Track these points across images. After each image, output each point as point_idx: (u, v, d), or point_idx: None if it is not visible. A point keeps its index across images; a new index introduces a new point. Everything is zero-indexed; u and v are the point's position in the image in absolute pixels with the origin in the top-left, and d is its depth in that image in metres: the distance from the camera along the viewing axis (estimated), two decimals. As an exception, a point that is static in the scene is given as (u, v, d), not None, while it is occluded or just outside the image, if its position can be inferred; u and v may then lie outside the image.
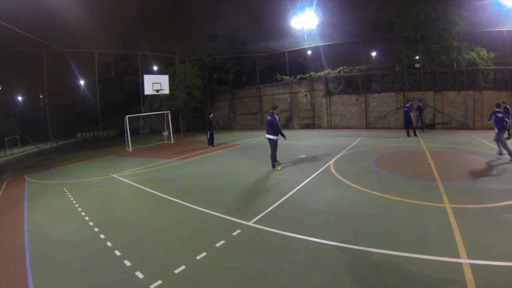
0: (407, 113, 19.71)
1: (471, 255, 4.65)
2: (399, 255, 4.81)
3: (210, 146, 20.01)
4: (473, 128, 23.10)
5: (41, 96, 41.45)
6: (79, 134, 57.94)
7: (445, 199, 7.28)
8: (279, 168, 11.84)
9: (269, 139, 11.73)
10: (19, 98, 53.61)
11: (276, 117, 11.63)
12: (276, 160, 11.95)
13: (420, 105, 22.05)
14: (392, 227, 5.90)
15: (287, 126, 31.02)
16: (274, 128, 11.56)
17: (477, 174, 9.51)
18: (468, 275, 4.15)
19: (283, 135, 11.70)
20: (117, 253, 5.51)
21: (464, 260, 4.52)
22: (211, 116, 20.45)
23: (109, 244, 5.93)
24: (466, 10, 25.35)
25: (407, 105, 20.45)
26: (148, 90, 23.29)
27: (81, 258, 5.48)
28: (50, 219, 8.01)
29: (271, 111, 11.93)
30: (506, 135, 13.17)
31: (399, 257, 4.75)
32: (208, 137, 20.15)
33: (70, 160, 19.53)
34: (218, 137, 20.29)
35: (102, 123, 23.57)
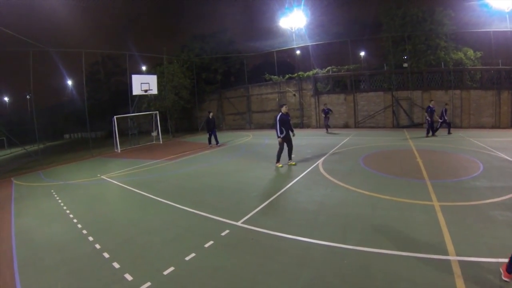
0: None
1: (460, 252, 4.71)
2: (388, 253, 4.86)
3: (216, 144, 20.06)
4: (461, 127, 23.43)
5: (27, 97, 40.96)
6: (66, 135, 57.34)
7: (433, 197, 7.38)
8: (280, 165, 12.01)
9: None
10: (5, 99, 52.92)
11: (278, 115, 11.89)
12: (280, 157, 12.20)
13: (325, 108, 24.57)
14: (381, 225, 5.95)
15: (275, 125, 31.13)
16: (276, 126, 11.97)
17: (464, 172, 9.65)
18: (457, 271, 4.21)
19: (277, 134, 11.89)
20: (106, 255, 5.47)
21: (453, 257, 4.58)
22: (211, 115, 20.13)
23: (97, 246, 5.89)
24: (453, 10, 25.67)
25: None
26: (137, 90, 23.16)
27: (69, 261, 5.43)
28: (37, 222, 7.93)
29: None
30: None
31: (388, 256, 4.80)
32: (215, 137, 20.08)
33: (57, 162, 19.32)
34: (206, 138, 20.17)
35: (90, 124, 23.31)
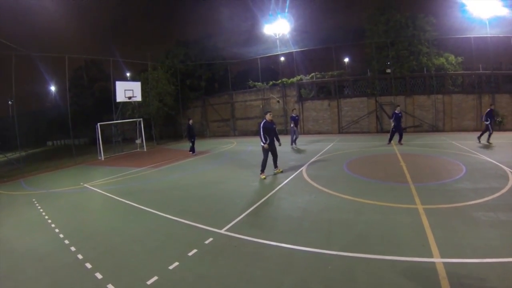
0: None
1: (444, 254, 4.79)
2: (372, 257, 4.90)
3: (191, 152, 19.74)
4: (443, 130, 23.89)
5: (9, 102, 40.23)
6: (49, 143, 56.40)
7: (417, 200, 7.50)
8: (263, 177, 11.30)
9: None
10: (-15, 104, 51.92)
11: (261, 123, 11.35)
12: (264, 167, 11.49)
13: (295, 115, 19.81)
14: (365, 230, 6.01)
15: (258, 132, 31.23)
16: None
17: (447, 175, 9.84)
18: (442, 273, 4.26)
19: (261, 141, 11.26)
20: (88, 265, 5.40)
21: (437, 259, 4.64)
22: (191, 122, 19.97)
23: (80, 256, 5.81)
24: (435, 17, 26.29)
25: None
26: (120, 97, 23.00)
27: (51, 271, 5.34)
28: (18, 232, 7.78)
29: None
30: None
31: (372, 260, 4.83)
32: (190, 144, 19.79)
33: (39, 170, 19.00)
34: (190, 145, 20.00)
35: (73, 130, 22.99)
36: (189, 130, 19.77)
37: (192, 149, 19.83)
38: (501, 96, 23.26)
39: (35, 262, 5.78)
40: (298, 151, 17.20)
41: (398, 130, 17.53)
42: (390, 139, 17.74)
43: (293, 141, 19.60)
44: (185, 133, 19.69)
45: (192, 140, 19.70)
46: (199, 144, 25.27)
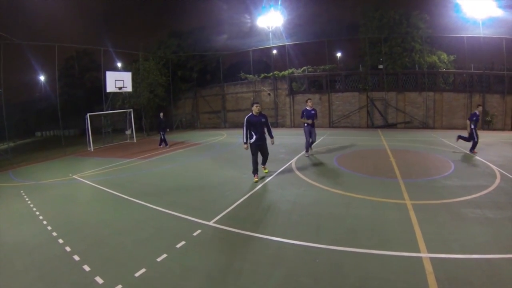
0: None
1: (431, 249, 4.86)
2: (360, 251, 4.95)
3: (161, 146, 19.81)
4: (433, 127, 24.14)
5: (-3, 92, 39.70)
6: (38, 133, 55.72)
7: (405, 196, 7.57)
8: (255, 180, 9.74)
9: None
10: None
11: (246, 117, 9.66)
12: (256, 167, 9.91)
13: (310, 108, 13.37)
14: (353, 224, 6.06)
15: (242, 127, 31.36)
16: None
17: (436, 171, 9.97)
18: (428, 268, 4.32)
19: (243, 139, 9.74)
20: (76, 258, 5.37)
21: (424, 254, 4.71)
22: (161, 115, 20.11)
23: (68, 248, 5.77)
24: (429, 15, 26.49)
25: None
26: (111, 87, 22.81)
27: (39, 264, 5.30)
28: (6, 224, 7.67)
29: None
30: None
31: (360, 254, 4.89)
32: (164, 137, 19.86)
33: (28, 161, 18.77)
34: (180, 136, 19.90)
35: (63, 121, 22.75)
36: (159, 123, 19.84)
37: (161, 142, 19.91)
38: (491, 96, 23.61)
39: (23, 255, 5.72)
40: (288, 144, 17.13)
41: (472, 135, 13.00)
42: (471, 141, 13.12)
43: (308, 146, 13.68)
44: (176, 124, 19.52)
45: (162, 133, 19.72)
46: (189, 136, 25.27)
